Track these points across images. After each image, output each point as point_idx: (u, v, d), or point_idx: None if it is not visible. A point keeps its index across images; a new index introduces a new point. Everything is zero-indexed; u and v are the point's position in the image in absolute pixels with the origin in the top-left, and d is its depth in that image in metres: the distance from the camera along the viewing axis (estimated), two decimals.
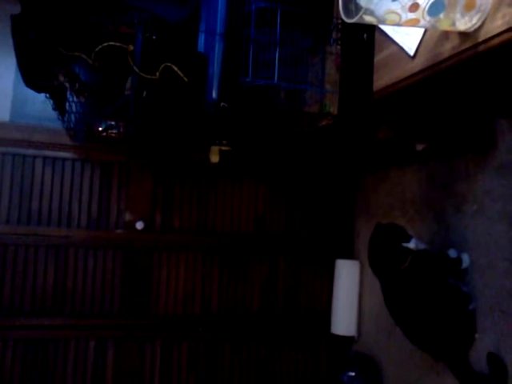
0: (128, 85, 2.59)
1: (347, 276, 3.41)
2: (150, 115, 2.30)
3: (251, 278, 3.38)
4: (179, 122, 2.24)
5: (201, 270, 3.30)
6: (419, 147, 2.70)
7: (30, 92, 2.83)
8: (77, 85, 2.13)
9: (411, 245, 2.40)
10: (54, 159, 3.10)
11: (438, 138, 2.56)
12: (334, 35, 2.39)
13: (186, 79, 1.99)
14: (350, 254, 3.52)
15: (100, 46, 1.90)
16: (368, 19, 1.10)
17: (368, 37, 1.76)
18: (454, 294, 2.35)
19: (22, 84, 3.01)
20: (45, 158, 3.08)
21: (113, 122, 2.91)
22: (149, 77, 1.98)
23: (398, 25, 1.11)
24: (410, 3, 1.05)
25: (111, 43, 1.92)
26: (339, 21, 2.38)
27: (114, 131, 2.94)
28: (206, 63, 2.00)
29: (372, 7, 1.10)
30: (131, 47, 1.97)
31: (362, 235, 3.44)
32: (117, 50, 2.08)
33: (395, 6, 1.09)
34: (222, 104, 1.93)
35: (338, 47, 2.30)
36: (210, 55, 1.98)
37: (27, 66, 2.06)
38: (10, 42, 3.02)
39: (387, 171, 3.15)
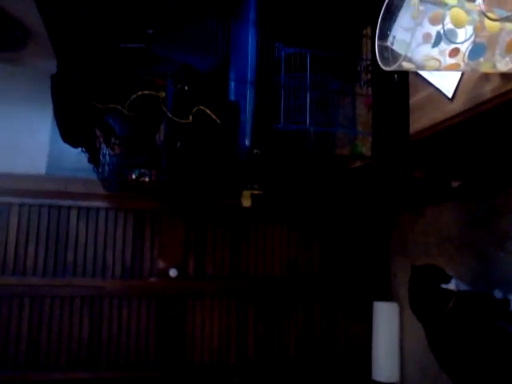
0: (159, 135, 2.65)
1: (386, 319, 3.30)
2: (183, 163, 2.32)
3: (287, 323, 3.30)
4: (212, 168, 2.25)
5: (235, 316, 3.24)
6: (455, 184, 2.64)
7: (65, 145, 2.91)
8: (112, 139, 2.17)
9: (451, 286, 2.31)
10: (88, 209, 3.15)
11: (474, 175, 2.50)
12: (363, 77, 2.40)
13: (218, 121, 2.00)
14: (387, 296, 3.41)
15: (134, 96, 1.94)
16: (406, 66, 1.09)
17: (399, 78, 1.75)
18: (505, 338, 2.23)
19: (57, 137, 3.11)
20: (79, 208, 3.13)
21: (143, 170, 2.95)
22: (182, 121, 2.01)
23: (438, 70, 1.09)
24: (449, 48, 1.04)
25: (145, 92, 1.96)
26: (368, 62, 2.40)
27: (146, 178, 2.98)
28: (237, 111, 2.02)
29: (410, 54, 1.09)
30: (163, 94, 2.01)
31: (399, 276, 3.34)
32: (149, 99, 2.12)
33: (434, 52, 1.08)
34: (255, 151, 1.94)
35: (368, 88, 2.31)
36: (242, 102, 2.00)
37: (65, 123, 2.12)
38: (46, 97, 3.16)
39: (423, 209, 3.08)
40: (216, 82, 2.18)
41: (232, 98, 2.15)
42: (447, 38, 1.03)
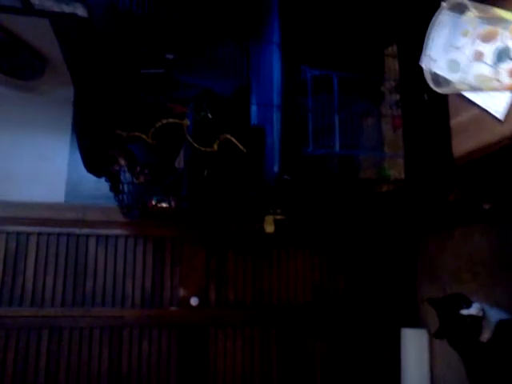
0: (179, 160, 2.59)
1: (415, 346, 3.16)
2: (206, 190, 2.26)
3: (311, 352, 3.18)
4: (236, 195, 2.19)
5: (258, 346, 3.12)
6: (486, 206, 2.54)
7: (84, 172, 2.86)
8: (138, 168, 2.12)
9: (473, 310, 2.19)
10: (107, 237, 3.08)
11: (507, 197, 2.40)
12: (388, 97, 2.34)
13: (244, 150, 1.94)
14: (415, 322, 3.28)
15: (159, 124, 1.89)
16: (460, 87, 1.02)
17: (436, 99, 1.68)
18: None
19: (75, 164, 3.09)
20: (98, 236, 3.06)
21: (162, 197, 2.89)
22: (208, 149, 1.95)
23: (496, 90, 1.02)
24: (509, 67, 0.97)
25: (170, 120, 1.91)
26: (392, 83, 2.34)
27: (165, 204, 2.92)
28: (262, 136, 1.96)
29: (461, 75, 1.02)
30: (187, 122, 1.96)
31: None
32: (172, 127, 2.07)
33: (488, 71, 1.01)
34: (284, 177, 1.87)
35: (396, 109, 2.24)
36: (267, 127, 1.94)
37: (89, 153, 2.07)
38: (63, 124, 3.14)
39: (452, 231, 2.97)
40: (238, 107, 2.13)
41: (255, 121, 2.10)
42: (508, 56, 0.96)
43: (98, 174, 2.23)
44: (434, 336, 2.36)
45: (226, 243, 3.18)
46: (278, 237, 3.07)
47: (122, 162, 2.09)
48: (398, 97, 2.09)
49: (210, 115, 1.95)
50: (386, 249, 3.34)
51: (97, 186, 3.04)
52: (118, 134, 1.89)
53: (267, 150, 1.93)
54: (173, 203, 2.89)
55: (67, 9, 2.18)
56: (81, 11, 2.21)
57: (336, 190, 2.31)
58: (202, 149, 1.96)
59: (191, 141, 1.97)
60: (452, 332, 2.31)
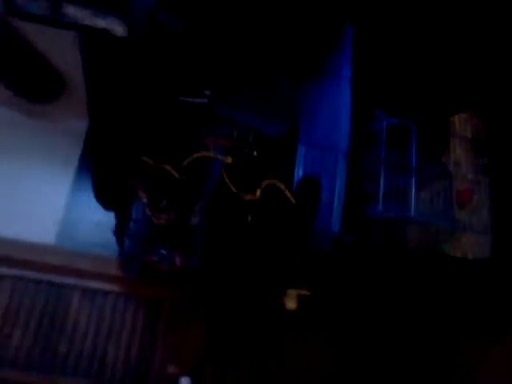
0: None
1: None
2: (231, 248, 1.87)
3: None
4: (273, 258, 1.79)
5: None
6: None
7: (83, 213, 2.48)
8: (163, 203, 1.73)
9: None
10: (95, 291, 2.61)
11: None
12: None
13: (294, 201, 1.58)
14: None
15: (194, 156, 1.54)
16: None
17: None
18: None
19: (74, 205, 2.70)
20: (84, 289, 2.60)
21: (164, 252, 2.48)
22: (249, 197, 1.59)
23: None
24: None
25: (209, 154, 1.56)
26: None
27: (166, 263, 2.51)
28: (317, 188, 1.61)
29: None
30: (230, 159, 1.61)
31: None
32: (203, 165, 1.73)
33: None
34: (345, 238, 1.50)
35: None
36: (324, 177, 1.60)
37: (103, 175, 1.69)
38: (70, 159, 2.78)
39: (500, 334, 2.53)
40: (287, 151, 1.80)
41: (306, 170, 1.76)
42: None
43: (106, 204, 1.83)
44: None
45: (233, 316, 2.72)
46: (297, 317, 2.62)
47: (142, 195, 1.71)
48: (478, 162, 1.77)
49: (255, 153, 1.61)
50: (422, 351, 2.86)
51: (94, 232, 2.64)
52: (142, 161, 1.53)
53: (322, 206, 1.57)
54: (177, 260, 2.48)
55: (102, 24, 1.90)
56: (118, 28, 1.93)
57: (379, 262, 1.91)
58: (242, 194, 1.59)
59: (228, 182, 1.61)
60: None
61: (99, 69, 1.92)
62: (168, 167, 1.58)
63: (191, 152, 1.61)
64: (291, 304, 2.38)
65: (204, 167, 1.66)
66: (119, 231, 1.98)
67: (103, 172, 1.71)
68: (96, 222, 2.38)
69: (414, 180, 1.62)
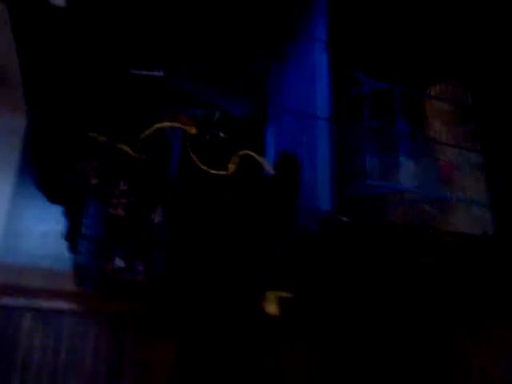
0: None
1: None
2: (200, 241, 1.61)
3: None
4: (248, 253, 1.53)
5: None
6: None
7: (27, 221, 2.17)
8: (120, 185, 1.44)
9: None
10: (48, 312, 2.28)
11: None
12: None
13: (273, 171, 1.34)
14: None
15: (153, 129, 1.27)
16: None
17: None
18: None
19: (18, 212, 2.37)
20: (36, 310, 2.26)
21: (124, 259, 2.20)
22: (221, 172, 1.34)
23: None
24: None
25: (166, 124, 1.30)
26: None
27: (127, 273, 2.24)
28: (295, 164, 1.37)
29: None
30: (193, 129, 1.35)
31: None
32: (163, 139, 1.46)
33: None
34: (342, 218, 1.26)
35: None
36: (311, 148, 1.36)
37: (48, 158, 1.41)
38: (8, 161, 2.45)
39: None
40: (257, 129, 1.57)
41: (277, 147, 1.52)
42: None
43: (51, 195, 1.54)
44: None
45: (207, 328, 2.43)
46: (283, 324, 2.34)
47: (94, 180, 1.42)
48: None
49: (222, 134, 1.37)
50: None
51: (42, 242, 2.32)
52: (92, 138, 1.26)
53: (306, 183, 1.34)
54: (140, 268, 2.21)
55: None
56: None
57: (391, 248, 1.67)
58: (213, 171, 1.34)
59: (194, 157, 1.35)
60: None
61: (35, 44, 1.64)
62: (122, 145, 1.32)
63: (147, 129, 1.35)
64: (272, 308, 2.13)
65: (163, 143, 1.40)
66: (71, 233, 1.68)
67: (47, 155, 1.43)
68: (43, 231, 2.08)
69: (401, 151, 1.41)
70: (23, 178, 2.31)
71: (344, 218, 1.26)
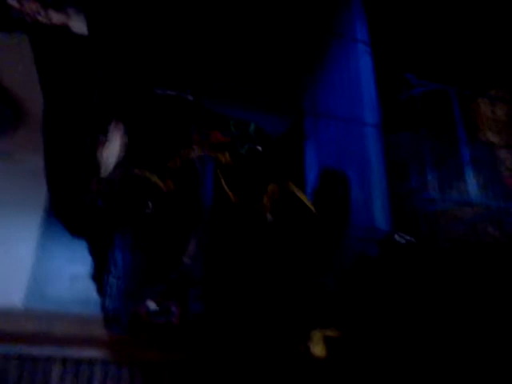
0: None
1: None
2: (237, 275, 1.44)
3: None
4: (293, 284, 1.36)
5: None
6: None
7: (55, 265, 2.06)
8: (149, 215, 1.30)
9: None
10: (78, 362, 2.13)
11: None
12: None
13: (313, 210, 1.18)
14: None
15: (184, 156, 1.15)
16: None
17: None
18: None
19: (45, 255, 2.27)
20: (65, 360, 2.11)
21: (154, 307, 2.05)
22: (255, 206, 1.19)
23: None
24: None
25: (195, 153, 1.17)
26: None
27: (162, 318, 2.09)
28: (344, 182, 1.22)
29: None
30: (227, 157, 1.22)
31: None
32: (193, 168, 1.33)
33: None
34: (399, 238, 1.08)
35: None
36: (359, 159, 1.20)
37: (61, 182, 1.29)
38: (35, 201, 2.37)
39: None
40: (291, 145, 1.42)
41: (319, 164, 1.37)
42: None
43: (70, 224, 1.42)
44: None
45: (249, 374, 2.22)
46: (330, 366, 2.09)
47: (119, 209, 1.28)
48: None
49: (259, 148, 1.23)
50: None
51: (70, 286, 2.21)
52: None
53: (355, 201, 1.17)
54: (174, 310, 2.05)
55: (57, 18, 1.55)
56: (75, 23, 1.58)
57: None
58: (246, 202, 1.19)
59: (229, 192, 1.21)
60: None
61: (58, 74, 1.56)
62: (149, 174, 1.19)
63: (177, 153, 1.23)
64: (317, 349, 1.91)
65: (194, 173, 1.27)
66: (98, 272, 1.55)
67: (62, 182, 1.31)
68: (72, 274, 1.97)
69: (466, 156, 1.23)
70: (50, 220, 2.22)
71: (407, 238, 1.08)
